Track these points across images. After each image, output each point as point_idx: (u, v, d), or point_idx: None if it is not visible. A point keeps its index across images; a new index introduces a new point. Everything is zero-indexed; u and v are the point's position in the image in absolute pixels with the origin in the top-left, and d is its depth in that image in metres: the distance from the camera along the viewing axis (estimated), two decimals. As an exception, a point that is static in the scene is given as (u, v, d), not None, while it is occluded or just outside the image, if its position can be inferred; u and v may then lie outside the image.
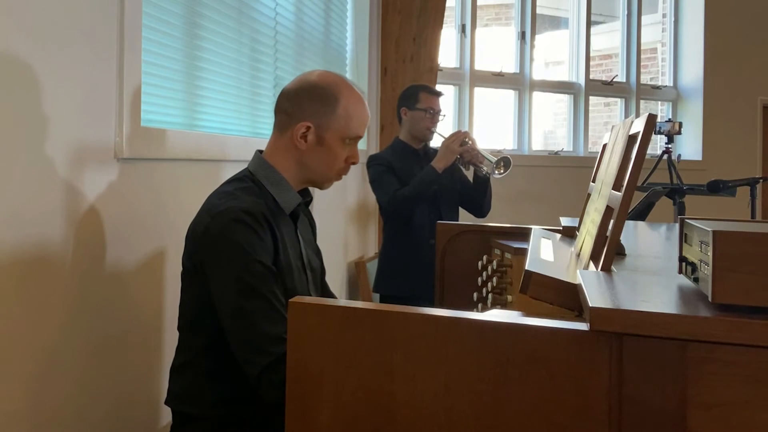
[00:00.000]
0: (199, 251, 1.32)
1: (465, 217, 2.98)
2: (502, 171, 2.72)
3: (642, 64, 5.43)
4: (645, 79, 5.57)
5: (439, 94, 2.90)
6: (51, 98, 1.33)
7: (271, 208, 1.36)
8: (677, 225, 0.97)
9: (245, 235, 1.27)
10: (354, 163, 1.47)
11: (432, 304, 2.26)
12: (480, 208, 2.87)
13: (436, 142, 2.89)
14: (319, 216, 2.98)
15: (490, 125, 5.10)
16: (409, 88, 2.96)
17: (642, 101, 5.46)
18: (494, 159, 2.70)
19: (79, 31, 1.41)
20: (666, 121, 4.22)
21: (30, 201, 1.28)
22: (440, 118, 2.86)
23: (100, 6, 1.47)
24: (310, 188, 1.54)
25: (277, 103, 1.45)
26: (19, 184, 1.24)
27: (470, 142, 2.70)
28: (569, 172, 4.74)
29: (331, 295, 1.63)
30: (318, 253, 1.60)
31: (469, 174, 2.90)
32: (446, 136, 2.74)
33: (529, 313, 0.98)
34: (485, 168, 2.73)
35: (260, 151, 1.47)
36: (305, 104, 1.40)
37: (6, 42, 1.21)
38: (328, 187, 1.50)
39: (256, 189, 1.39)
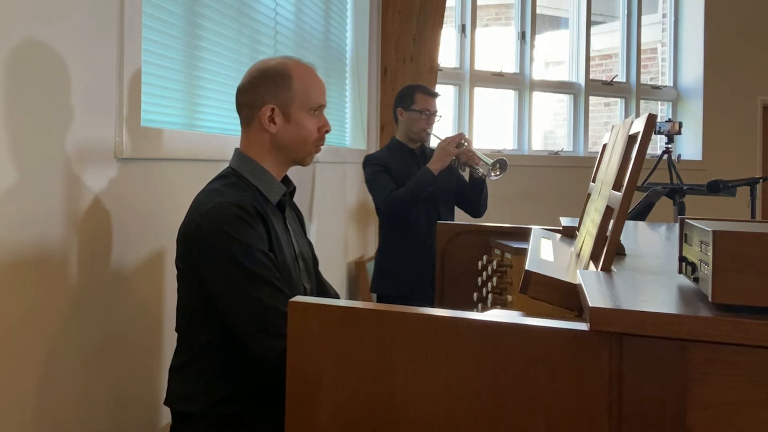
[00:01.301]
0: (193, 250, 1.33)
1: (462, 217, 2.98)
2: (498, 173, 2.72)
3: (642, 64, 5.43)
4: (645, 79, 5.57)
5: (435, 95, 2.89)
6: (51, 98, 1.33)
7: (258, 201, 1.38)
8: (677, 225, 0.97)
9: (239, 227, 1.28)
10: (327, 131, 1.50)
11: (430, 304, 2.26)
12: (476, 208, 2.87)
13: (433, 142, 2.89)
14: (319, 216, 2.99)
15: (490, 125, 5.10)
16: (406, 88, 2.95)
17: (642, 101, 5.46)
18: (490, 161, 2.70)
19: (79, 31, 1.41)
20: (666, 121, 4.22)
21: (30, 201, 1.28)
22: (437, 119, 2.85)
23: (100, 6, 1.47)
24: (294, 182, 1.55)
25: (236, 102, 1.49)
26: (19, 184, 1.24)
27: (466, 144, 2.70)
28: (569, 172, 4.74)
29: (326, 286, 1.64)
30: (309, 244, 1.61)
31: (466, 174, 2.90)
32: (442, 137, 2.73)
33: (529, 313, 0.98)
34: (481, 170, 2.74)
35: (238, 148, 1.49)
36: (261, 90, 1.43)
37: (5, 42, 1.21)
38: (311, 162, 1.52)
39: (242, 184, 1.41)
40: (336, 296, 1.66)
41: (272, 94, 1.43)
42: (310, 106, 1.45)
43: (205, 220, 1.30)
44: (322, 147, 1.52)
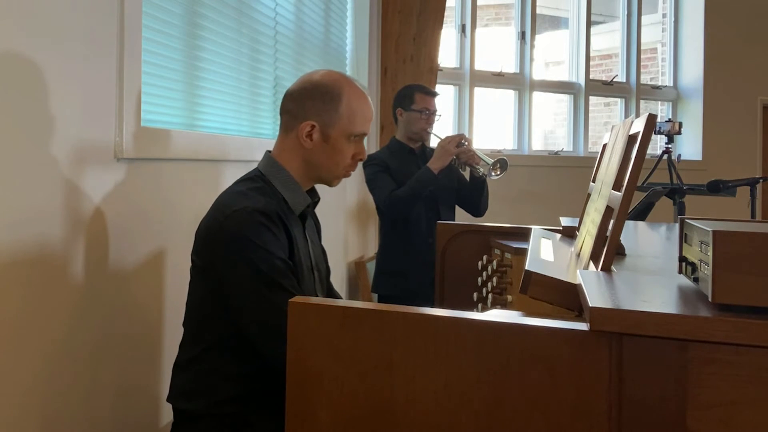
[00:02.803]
0: (213, 250, 1.33)
1: (462, 217, 2.98)
2: (498, 172, 2.72)
3: (642, 64, 5.43)
4: (645, 79, 5.57)
5: (434, 94, 2.88)
6: (51, 99, 1.33)
7: (282, 208, 1.38)
8: (677, 225, 0.97)
9: (262, 233, 1.28)
10: (361, 160, 1.48)
11: (431, 304, 2.26)
12: (477, 208, 2.87)
13: (433, 142, 2.89)
14: (319, 216, 2.98)
15: (490, 125, 5.10)
16: (405, 88, 2.94)
17: (642, 101, 5.46)
18: (491, 160, 2.70)
19: (79, 31, 1.41)
20: (666, 121, 4.22)
21: (31, 202, 1.28)
22: (436, 118, 2.85)
23: (100, 6, 1.47)
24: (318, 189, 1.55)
25: (281, 105, 1.47)
26: (20, 184, 1.24)
27: (466, 144, 2.70)
28: (569, 172, 4.74)
29: (337, 296, 1.64)
30: (324, 254, 1.61)
31: (466, 174, 2.90)
32: (442, 136, 2.73)
33: (529, 313, 0.98)
34: (482, 169, 2.73)
35: (269, 152, 1.48)
36: (308, 104, 1.41)
37: (6, 43, 1.21)
38: (337, 185, 1.52)
39: (268, 189, 1.41)
40: None
41: (317, 111, 1.41)
42: (352, 132, 1.43)
43: (228, 222, 1.30)
44: (352, 173, 1.50)
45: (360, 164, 2.88)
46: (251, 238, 1.27)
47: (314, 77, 1.45)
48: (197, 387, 1.35)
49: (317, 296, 1.46)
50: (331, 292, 1.62)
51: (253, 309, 1.27)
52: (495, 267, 1.71)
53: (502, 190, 3.53)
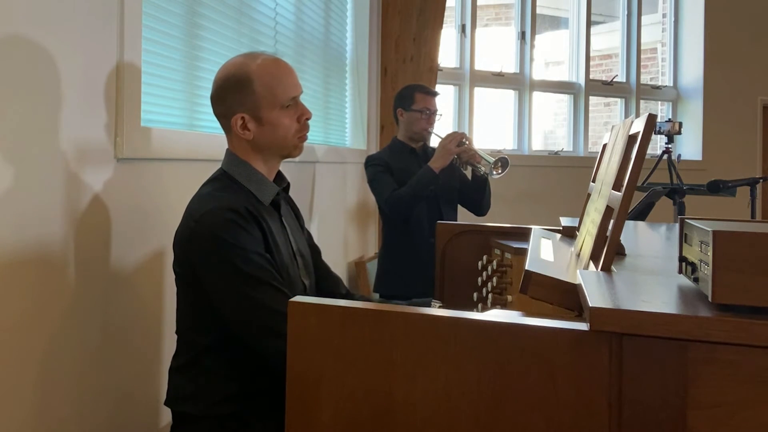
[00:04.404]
0: (189, 256, 1.33)
1: (464, 216, 2.98)
2: (500, 171, 2.72)
3: (642, 64, 5.43)
4: (645, 79, 5.57)
5: (435, 94, 2.88)
6: (51, 98, 1.33)
7: (251, 202, 1.37)
8: (677, 225, 0.97)
9: (234, 231, 1.28)
10: (308, 119, 1.46)
11: (430, 304, 2.25)
12: (479, 207, 2.87)
13: (434, 141, 2.89)
14: (319, 216, 2.99)
15: (490, 125, 5.10)
16: (405, 88, 2.94)
17: (642, 101, 5.46)
18: (492, 159, 2.70)
19: (79, 31, 1.41)
20: (666, 121, 4.21)
21: (30, 201, 1.28)
22: (437, 118, 2.85)
23: (100, 6, 1.47)
24: (294, 182, 1.55)
25: (213, 112, 1.47)
26: (19, 184, 1.24)
27: (467, 143, 2.70)
28: (569, 172, 4.74)
29: (333, 275, 1.64)
30: (308, 237, 1.60)
31: (468, 173, 2.90)
32: (443, 136, 2.73)
33: (529, 313, 0.98)
34: (483, 168, 2.73)
35: (229, 149, 1.48)
36: (228, 100, 1.41)
37: (6, 42, 1.21)
38: (300, 152, 1.49)
39: (233, 186, 1.40)
40: (338, 280, 1.66)
41: (238, 102, 1.40)
42: (279, 103, 1.41)
43: (199, 226, 1.30)
44: (308, 135, 1.49)
45: (361, 165, 2.91)
46: (224, 238, 1.27)
47: (222, 73, 1.45)
48: (194, 389, 1.36)
49: (303, 282, 1.46)
50: (326, 271, 1.63)
51: (236, 308, 1.27)
52: (495, 267, 1.71)
53: (502, 190, 3.53)
